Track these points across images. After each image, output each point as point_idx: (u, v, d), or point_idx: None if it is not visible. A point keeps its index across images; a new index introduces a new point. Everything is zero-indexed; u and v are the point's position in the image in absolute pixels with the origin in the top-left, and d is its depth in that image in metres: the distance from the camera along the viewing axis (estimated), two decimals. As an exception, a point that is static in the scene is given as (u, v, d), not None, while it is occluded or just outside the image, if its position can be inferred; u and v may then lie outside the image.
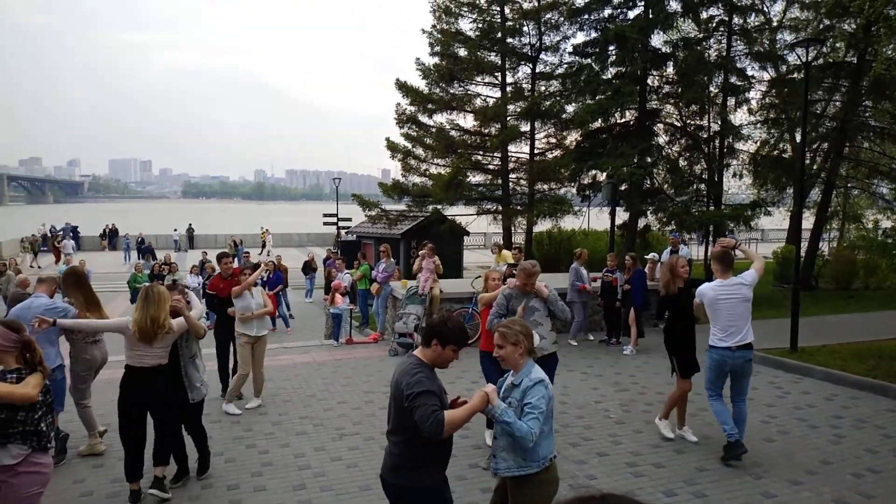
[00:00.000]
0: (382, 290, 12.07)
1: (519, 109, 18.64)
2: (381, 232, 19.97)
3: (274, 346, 11.58)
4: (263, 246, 33.74)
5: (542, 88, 19.01)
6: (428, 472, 3.32)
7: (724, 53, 16.71)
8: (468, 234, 21.47)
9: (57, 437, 6.10)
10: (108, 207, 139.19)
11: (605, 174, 17.14)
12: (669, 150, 18.11)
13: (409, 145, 19.37)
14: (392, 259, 12.69)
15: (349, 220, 29.11)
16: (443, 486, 3.44)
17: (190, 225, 40.09)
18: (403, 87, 18.76)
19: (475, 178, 19.69)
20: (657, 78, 17.79)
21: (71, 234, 36.64)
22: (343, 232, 28.81)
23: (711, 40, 17.12)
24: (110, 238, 36.81)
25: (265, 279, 14.53)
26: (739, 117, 17.62)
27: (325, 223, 32.04)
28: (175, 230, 38.44)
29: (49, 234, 34.18)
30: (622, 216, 17.93)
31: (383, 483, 3.41)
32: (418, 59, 18.90)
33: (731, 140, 17.27)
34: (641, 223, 18.22)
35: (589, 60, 18.08)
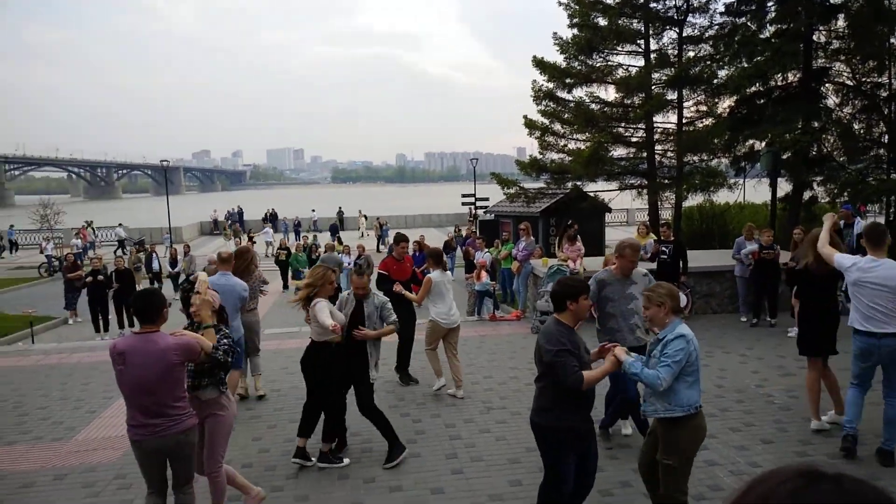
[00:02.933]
0: (523, 268, 12.09)
1: (665, 77, 17.62)
2: (520, 210, 19.92)
3: (420, 322, 12.06)
4: (373, 232, 34.44)
5: (691, 53, 17.77)
6: (570, 413, 3.79)
7: (911, -2, 14.60)
8: (610, 210, 20.82)
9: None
10: (266, 193, 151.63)
11: (763, 143, 15.78)
12: (840, 113, 16.24)
13: (547, 122, 19.02)
14: (532, 237, 12.64)
15: (487, 199, 29.38)
16: (584, 429, 3.91)
17: (340, 208, 42.53)
18: (540, 64, 18.41)
19: (617, 151, 18.94)
20: (825, 33, 15.95)
21: (237, 218, 40.52)
22: (481, 212, 29.15)
23: (894, -16, 15.01)
24: (272, 221, 40.07)
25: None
26: (928, 71, 15.27)
27: (463, 203, 32.65)
28: (313, 210, 42.07)
29: (222, 219, 38.17)
30: (784, 188, 16.44)
31: (531, 424, 3.97)
32: (555, 33, 18.43)
33: (918, 98, 15.13)
34: (807, 195, 16.60)
35: (744, 19, 16.62)
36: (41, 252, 27.21)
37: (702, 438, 3.91)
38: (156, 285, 18.26)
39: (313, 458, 5.42)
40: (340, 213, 41.55)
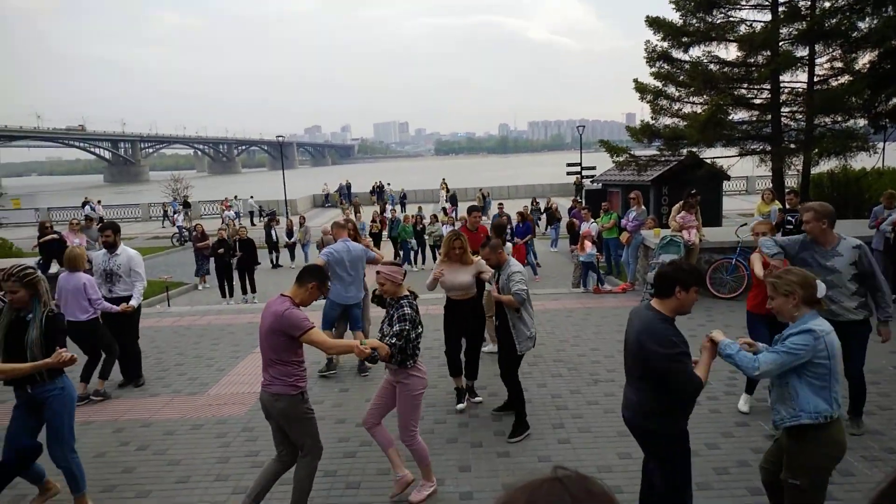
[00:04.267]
0: (633, 238, 11.69)
1: (795, 33, 16.11)
2: (630, 179, 19.16)
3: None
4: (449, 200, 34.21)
5: (826, 4, 16.11)
6: (679, 418, 3.39)
7: None
8: (728, 178, 19.55)
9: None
10: (373, 167, 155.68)
11: (910, 100, 14.16)
12: None
13: (660, 84, 18.01)
14: (643, 206, 12.16)
15: (593, 168, 28.54)
16: (687, 432, 3.49)
17: (443, 180, 42.97)
18: (655, 22, 17.40)
19: (737, 115, 17.61)
20: None
21: (346, 192, 42.05)
22: (588, 181, 28.39)
23: None
24: (378, 194, 41.20)
25: (513, 229, 15.02)
26: None
27: (568, 173, 31.91)
28: (388, 184, 43.31)
29: (333, 192, 39.88)
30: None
31: (631, 425, 3.53)
32: (672, -13, 17.33)
33: None
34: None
35: (892, -39, 14.83)
36: (173, 224, 29.70)
37: (837, 456, 3.26)
38: (273, 255, 19.44)
39: (478, 395, 6.31)
40: (444, 184, 41.97)
